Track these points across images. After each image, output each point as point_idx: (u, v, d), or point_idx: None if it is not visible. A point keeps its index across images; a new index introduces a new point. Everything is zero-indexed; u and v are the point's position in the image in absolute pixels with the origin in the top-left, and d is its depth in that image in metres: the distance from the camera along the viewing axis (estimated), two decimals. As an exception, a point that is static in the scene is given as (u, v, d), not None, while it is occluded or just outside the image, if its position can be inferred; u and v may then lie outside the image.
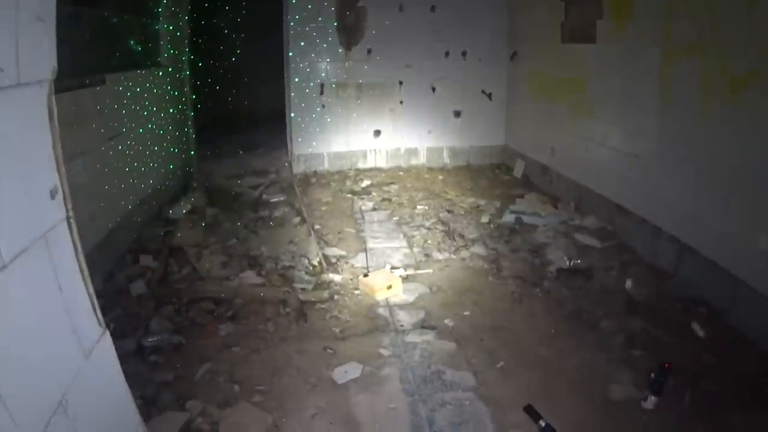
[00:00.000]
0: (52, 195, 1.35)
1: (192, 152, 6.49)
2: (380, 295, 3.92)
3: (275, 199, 5.93)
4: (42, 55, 1.47)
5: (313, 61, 6.38)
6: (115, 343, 3.29)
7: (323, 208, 5.76)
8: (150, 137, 5.06)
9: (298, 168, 6.77)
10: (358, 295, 4.00)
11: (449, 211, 5.53)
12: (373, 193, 6.14)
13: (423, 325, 3.57)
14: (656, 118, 4.15)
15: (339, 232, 5.13)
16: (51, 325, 1.23)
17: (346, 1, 6.32)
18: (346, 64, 6.45)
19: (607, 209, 4.85)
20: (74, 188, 3.76)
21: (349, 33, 6.32)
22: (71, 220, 1.35)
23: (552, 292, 3.96)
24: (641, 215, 4.40)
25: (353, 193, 6.18)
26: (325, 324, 3.63)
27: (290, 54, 6.30)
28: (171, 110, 5.62)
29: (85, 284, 1.35)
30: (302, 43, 6.28)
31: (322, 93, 6.51)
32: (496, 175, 6.68)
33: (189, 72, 6.22)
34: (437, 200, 5.88)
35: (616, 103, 4.68)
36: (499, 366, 3.11)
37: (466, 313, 3.72)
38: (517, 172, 6.49)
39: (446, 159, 6.95)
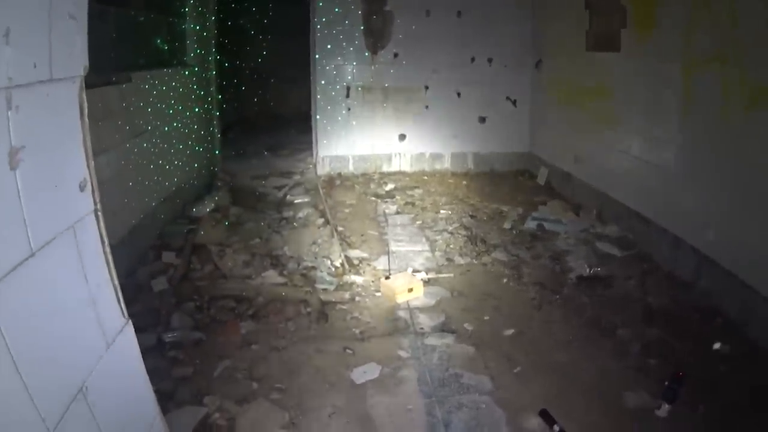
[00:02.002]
0: (81, 188, 1.38)
1: (217, 151, 6.57)
2: (401, 298, 3.92)
3: (299, 200, 5.97)
4: (74, 53, 1.50)
5: (339, 64, 6.43)
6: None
7: (347, 211, 5.78)
8: (175, 136, 5.14)
9: (323, 170, 6.81)
10: (379, 296, 4.00)
11: (472, 216, 5.51)
12: (397, 197, 6.15)
13: (443, 329, 3.56)
14: (678, 127, 4.11)
15: (362, 235, 5.14)
16: (75, 314, 1.25)
17: (373, 5, 6.36)
18: (373, 67, 6.47)
19: (628, 218, 4.79)
20: (98, 184, 3.85)
21: (376, 37, 6.35)
22: (99, 213, 1.38)
23: (571, 300, 3.92)
24: (661, 225, 4.35)
25: (377, 196, 6.19)
26: (345, 325, 3.64)
27: (316, 56, 6.36)
28: (196, 109, 5.69)
29: (111, 276, 1.37)
30: (329, 46, 6.32)
31: (347, 96, 6.55)
32: (519, 181, 6.64)
33: (215, 72, 6.30)
34: (460, 205, 5.85)
35: (638, 112, 4.63)
36: (516, 371, 3.09)
37: (486, 317, 3.70)
38: (541, 179, 6.43)
39: (470, 164, 6.92)
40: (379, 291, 4.06)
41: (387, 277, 4.13)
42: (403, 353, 3.28)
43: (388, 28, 6.35)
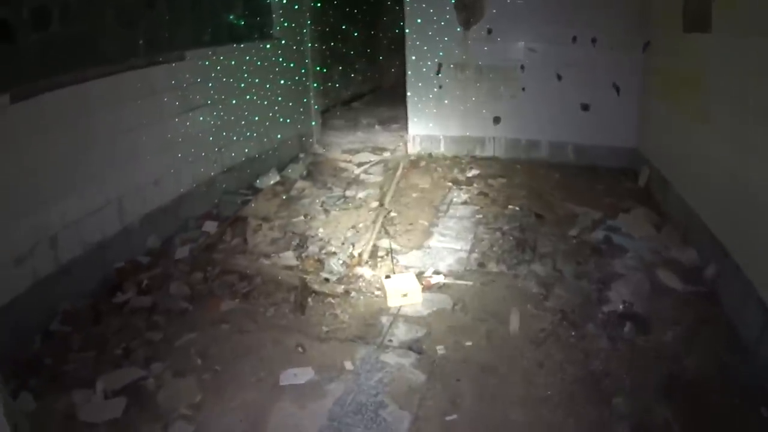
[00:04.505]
0: None
1: (313, 123, 6.70)
2: (392, 302, 3.67)
3: (373, 180, 5.86)
4: None
5: (430, 39, 6.03)
6: (137, 298, 3.65)
7: (414, 195, 5.51)
8: (247, 108, 5.33)
9: (414, 149, 6.57)
10: (377, 295, 3.79)
11: (539, 217, 4.86)
12: (475, 185, 5.68)
13: (411, 346, 3.25)
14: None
15: (410, 224, 4.87)
16: None
17: (464, -22, 5.80)
18: (465, 44, 5.96)
19: (709, 245, 3.77)
20: (133, 155, 4.16)
21: (468, 11, 5.80)
22: None
23: (588, 340, 3.24)
24: (737, 261, 3.32)
25: (455, 182, 5.79)
26: (319, 320, 3.54)
27: (407, 31, 6.05)
28: (282, 81, 5.82)
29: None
30: (418, 21, 5.96)
31: (438, 73, 6.14)
32: (619, 181, 5.63)
33: (311, 44, 6.35)
34: (536, 201, 5.20)
35: (727, 109, 3.57)
36: (449, 419, 2.68)
37: (469, 343, 3.26)
38: (641, 181, 5.40)
39: (570, 156, 6.06)
40: (380, 289, 3.84)
41: (387, 277, 3.89)
42: (348, 365, 3.08)
43: (481, 2, 5.75)
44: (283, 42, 5.81)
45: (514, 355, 3.15)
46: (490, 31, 5.87)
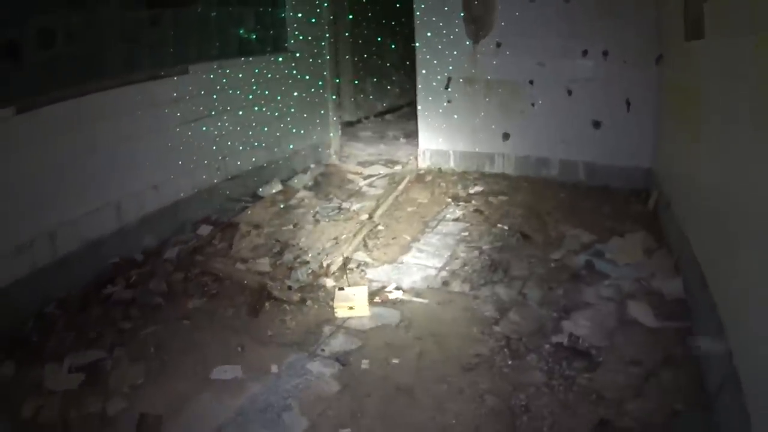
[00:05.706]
0: None
1: (331, 134, 6.89)
2: (340, 313, 3.78)
3: (374, 192, 5.96)
4: None
5: (440, 53, 6.03)
6: (122, 291, 4.03)
7: (409, 209, 5.56)
8: (255, 119, 5.60)
9: (424, 163, 6.58)
10: (330, 306, 3.89)
11: (526, 237, 4.77)
12: (473, 202, 5.63)
13: (338, 358, 3.33)
14: (755, 148, 2.52)
15: (393, 238, 4.94)
16: None
17: (473, -10, 5.77)
18: (474, 58, 5.91)
19: (694, 277, 3.47)
20: (133, 162, 4.38)
21: (477, 24, 5.75)
22: None
23: (522, 372, 3.12)
24: (714, 298, 3.00)
25: (455, 198, 5.76)
26: (269, 325, 3.71)
27: (417, 45, 6.11)
28: (295, 93, 6.04)
29: None
30: (428, 34, 5.99)
31: (447, 87, 6.13)
32: (628, 203, 5.36)
33: (336, 56, 6.56)
34: (530, 222, 5.09)
35: (715, 123, 3.26)
36: (342, 431, 2.74)
37: (396, 361, 3.29)
38: (651, 203, 5.11)
39: (582, 175, 5.83)
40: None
41: (341, 288, 4.00)
42: (274, 368, 3.22)
43: (490, 15, 5.67)
44: (297, 55, 6.04)
45: (438, 378, 3.12)
46: (498, 45, 5.79)
